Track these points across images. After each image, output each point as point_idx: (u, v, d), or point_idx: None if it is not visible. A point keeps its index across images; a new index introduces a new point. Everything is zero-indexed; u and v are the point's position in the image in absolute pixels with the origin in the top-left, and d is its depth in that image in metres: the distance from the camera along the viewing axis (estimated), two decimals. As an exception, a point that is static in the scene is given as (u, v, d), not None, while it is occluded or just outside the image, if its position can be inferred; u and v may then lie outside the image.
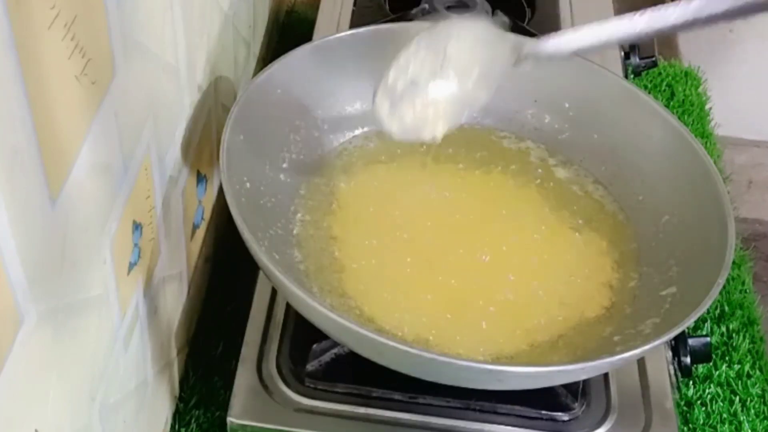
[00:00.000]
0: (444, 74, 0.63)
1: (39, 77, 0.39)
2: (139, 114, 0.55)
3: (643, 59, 0.99)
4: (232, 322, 0.76)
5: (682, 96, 1.09)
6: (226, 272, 0.84)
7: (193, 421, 0.73)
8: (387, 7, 0.99)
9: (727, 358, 0.81)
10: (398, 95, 0.63)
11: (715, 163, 0.69)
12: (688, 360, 0.72)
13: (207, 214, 0.78)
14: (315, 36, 0.92)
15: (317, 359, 0.66)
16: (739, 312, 0.85)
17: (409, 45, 0.63)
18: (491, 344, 0.64)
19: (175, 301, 0.71)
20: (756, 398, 0.78)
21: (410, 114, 0.63)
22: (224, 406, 0.66)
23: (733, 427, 0.76)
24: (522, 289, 0.67)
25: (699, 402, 0.77)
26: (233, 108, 0.66)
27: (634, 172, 0.74)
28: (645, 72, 1.02)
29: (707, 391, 0.78)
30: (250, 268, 0.64)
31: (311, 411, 0.65)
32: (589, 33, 0.60)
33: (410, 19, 0.92)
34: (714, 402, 0.77)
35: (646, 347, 0.57)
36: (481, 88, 0.64)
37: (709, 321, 0.84)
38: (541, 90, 0.78)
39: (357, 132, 0.78)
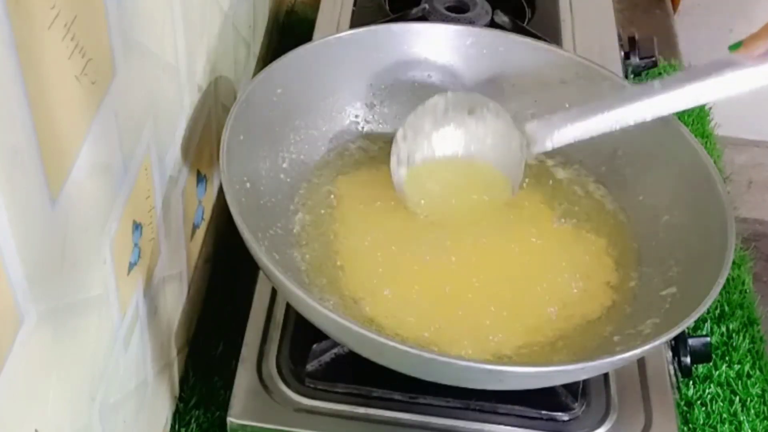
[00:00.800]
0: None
1: (39, 77, 0.39)
2: (139, 114, 0.55)
3: (643, 59, 0.99)
4: (232, 322, 0.76)
5: (682, 96, 1.09)
6: (226, 272, 0.84)
7: (193, 421, 0.73)
8: (387, 7, 0.99)
9: (727, 358, 0.81)
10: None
11: (715, 163, 0.69)
12: (688, 360, 0.72)
13: (207, 214, 0.78)
14: (315, 36, 0.92)
15: (317, 359, 0.66)
16: (739, 312, 0.85)
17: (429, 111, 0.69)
18: (491, 344, 0.64)
19: (175, 301, 0.71)
20: (756, 398, 0.78)
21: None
22: (224, 406, 0.66)
23: (733, 427, 0.76)
24: (522, 288, 0.67)
25: (699, 402, 0.77)
26: (233, 108, 0.66)
27: (634, 172, 0.74)
28: (645, 72, 1.02)
29: (707, 391, 0.78)
30: (250, 268, 0.64)
31: (311, 411, 0.65)
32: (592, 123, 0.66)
33: (410, 20, 0.92)
34: (714, 402, 0.77)
35: (646, 347, 0.57)
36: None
37: (709, 321, 0.84)
38: (541, 90, 0.78)
39: (357, 132, 0.78)
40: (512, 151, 0.69)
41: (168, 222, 0.65)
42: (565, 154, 0.78)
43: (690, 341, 0.72)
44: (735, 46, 0.62)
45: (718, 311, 0.85)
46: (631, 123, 0.65)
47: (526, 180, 0.75)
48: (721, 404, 0.77)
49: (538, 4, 1.00)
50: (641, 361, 0.69)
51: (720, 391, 0.78)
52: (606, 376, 0.68)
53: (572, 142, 0.67)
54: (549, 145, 0.67)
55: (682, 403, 0.77)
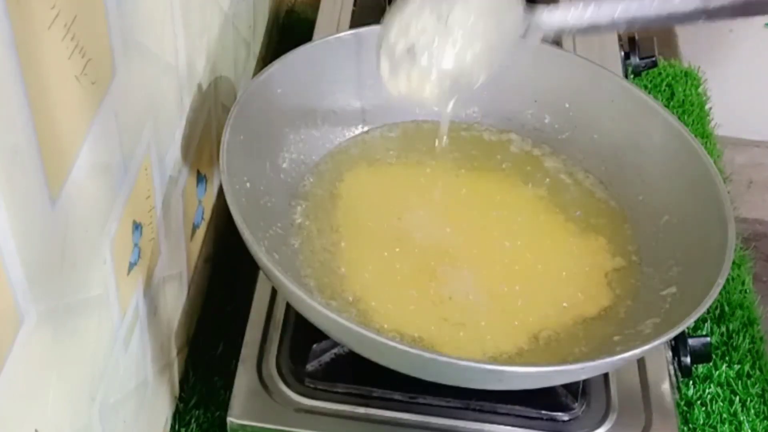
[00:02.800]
0: (442, 45, 0.60)
1: (39, 77, 0.39)
2: (139, 114, 0.55)
3: (643, 59, 0.99)
4: (232, 322, 0.76)
5: (682, 96, 1.09)
6: (226, 272, 0.84)
7: (193, 421, 0.73)
8: (387, 7, 0.99)
9: (727, 358, 0.81)
10: (397, 58, 0.61)
11: (715, 163, 0.69)
12: (688, 360, 0.72)
13: (207, 214, 0.78)
14: (315, 36, 0.92)
15: (317, 359, 0.66)
16: (739, 312, 0.85)
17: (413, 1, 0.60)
18: (491, 344, 0.64)
19: (175, 301, 0.71)
20: (756, 398, 0.78)
21: (405, 81, 0.62)
22: (224, 406, 0.66)
23: (733, 427, 0.76)
24: (522, 288, 0.68)
25: (699, 402, 0.77)
26: (233, 108, 0.66)
27: (634, 172, 0.74)
28: (645, 72, 1.02)
29: (707, 391, 0.78)
30: (250, 268, 0.64)
31: (311, 411, 0.65)
32: (598, 10, 0.57)
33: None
34: (714, 402, 0.77)
35: (646, 347, 0.57)
36: (481, 65, 0.62)
37: (709, 321, 0.84)
38: (541, 90, 0.78)
39: (357, 132, 0.78)
40: (505, 29, 0.61)
41: (168, 222, 0.65)
42: (566, 154, 0.78)
43: (690, 341, 0.72)
44: None
45: (718, 311, 0.85)
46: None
47: (528, 183, 0.75)
48: (721, 404, 0.77)
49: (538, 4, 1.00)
50: (641, 361, 0.69)
51: (720, 391, 0.78)
52: (606, 376, 0.68)
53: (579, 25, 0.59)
54: (558, 19, 0.59)
55: (682, 403, 0.77)
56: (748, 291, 0.88)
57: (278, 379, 0.67)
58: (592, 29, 0.59)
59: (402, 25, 0.60)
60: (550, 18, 0.59)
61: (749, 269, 0.92)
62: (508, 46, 0.61)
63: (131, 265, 0.56)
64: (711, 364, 0.79)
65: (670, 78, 1.11)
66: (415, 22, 0.59)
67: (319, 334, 0.62)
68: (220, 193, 0.80)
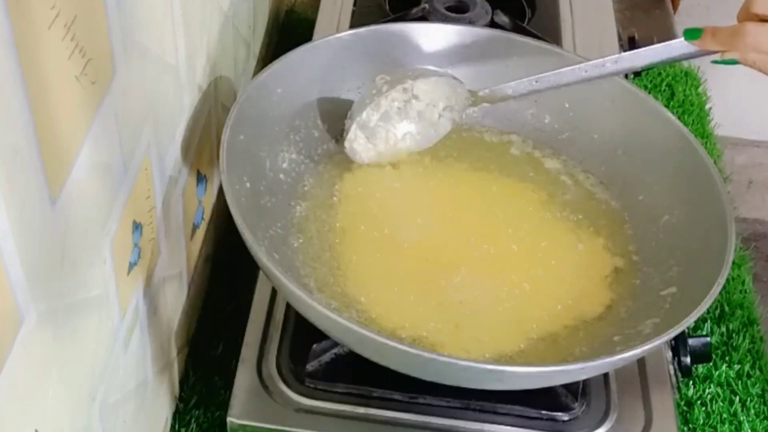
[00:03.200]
0: (411, 109, 0.73)
1: (39, 77, 0.39)
2: (139, 114, 0.55)
3: (643, 59, 0.98)
4: (232, 322, 0.76)
5: (682, 96, 1.09)
6: (226, 272, 0.84)
7: (193, 421, 0.73)
8: (387, 7, 0.99)
9: (727, 358, 0.81)
10: (371, 129, 0.73)
11: (715, 163, 0.69)
12: (688, 360, 0.71)
13: (207, 214, 0.78)
14: (315, 36, 0.92)
15: (317, 359, 0.66)
16: (739, 312, 0.85)
17: (375, 87, 0.73)
18: (491, 344, 0.64)
19: (175, 301, 0.71)
20: (756, 398, 0.78)
21: (382, 143, 0.74)
22: (224, 406, 0.66)
23: (733, 427, 0.76)
24: (522, 288, 0.67)
25: (699, 402, 0.77)
26: (233, 108, 0.66)
27: (634, 172, 0.74)
28: (645, 72, 1.02)
29: (707, 391, 0.78)
30: (250, 268, 0.64)
31: (311, 411, 0.65)
32: (528, 83, 0.71)
33: (410, 20, 0.92)
34: (714, 402, 0.77)
35: (646, 347, 0.57)
36: (446, 119, 0.75)
37: (709, 321, 0.84)
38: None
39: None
40: (459, 96, 0.74)
41: (168, 222, 0.65)
42: (566, 155, 0.78)
43: (690, 341, 0.72)
44: (692, 35, 0.62)
45: (718, 311, 0.85)
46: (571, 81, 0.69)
47: (528, 183, 0.75)
48: (721, 404, 0.77)
49: (538, 4, 1.00)
50: (641, 361, 0.69)
51: (720, 391, 0.78)
52: (606, 376, 0.68)
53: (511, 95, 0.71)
54: (498, 93, 0.72)
55: (682, 403, 0.77)
56: (748, 291, 0.88)
57: (278, 379, 0.67)
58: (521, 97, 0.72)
59: (373, 105, 0.72)
60: (490, 93, 0.73)
61: (749, 269, 0.92)
62: (462, 108, 0.74)
63: (131, 265, 0.56)
64: (711, 364, 0.79)
65: (670, 78, 1.11)
66: (383, 99, 0.72)
67: (319, 334, 0.62)
68: (220, 193, 0.80)
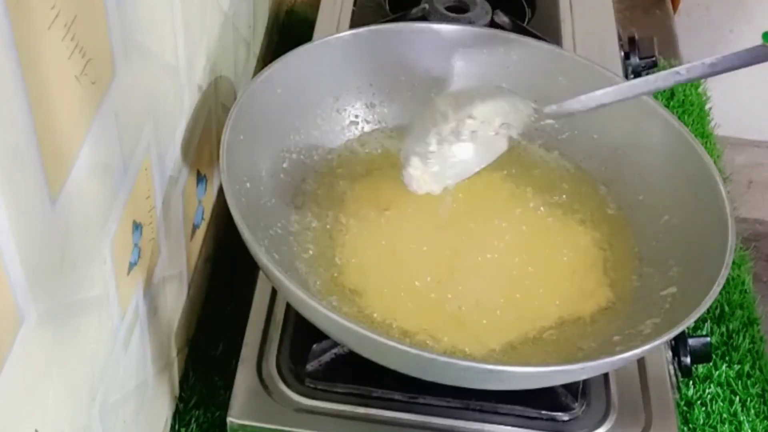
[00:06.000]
0: (465, 129, 0.67)
1: (39, 77, 0.39)
2: (139, 114, 0.55)
3: (643, 59, 0.99)
4: (232, 322, 0.76)
5: (682, 96, 1.09)
6: (226, 272, 0.84)
7: (193, 421, 0.73)
8: (387, 7, 0.99)
9: (727, 358, 0.81)
10: (427, 155, 0.67)
11: (715, 163, 0.69)
12: (688, 360, 0.72)
13: (207, 214, 0.78)
14: (315, 36, 0.92)
15: (317, 359, 0.66)
16: (739, 312, 0.85)
17: (439, 111, 0.67)
18: (490, 344, 0.64)
19: (175, 301, 0.71)
20: (756, 398, 0.78)
21: (437, 169, 0.67)
22: (224, 406, 0.66)
23: (733, 427, 0.76)
24: (522, 288, 0.67)
25: (699, 402, 0.77)
26: (233, 108, 0.66)
27: (634, 172, 0.74)
28: (645, 72, 1.02)
29: (707, 391, 0.78)
30: (250, 268, 0.64)
31: (311, 411, 0.65)
32: (599, 95, 0.67)
33: (410, 19, 0.92)
34: (714, 402, 0.77)
35: (646, 347, 0.57)
36: (503, 136, 0.69)
37: (709, 321, 0.84)
38: (541, 90, 0.78)
39: (357, 132, 0.78)
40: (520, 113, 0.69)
41: (168, 222, 0.65)
42: (566, 154, 0.78)
43: (690, 341, 0.72)
44: None
45: (718, 311, 0.85)
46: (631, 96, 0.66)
47: (528, 183, 0.75)
48: (721, 404, 0.77)
49: (538, 4, 1.00)
50: (641, 361, 0.69)
51: (720, 391, 0.78)
52: (606, 376, 0.68)
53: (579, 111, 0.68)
54: (567, 108, 0.68)
55: (682, 403, 0.77)
56: (748, 291, 0.88)
57: (278, 379, 0.67)
58: (592, 110, 0.68)
59: (435, 133, 0.67)
60: (559, 108, 0.68)
61: (749, 269, 0.92)
62: (522, 125, 0.69)
63: (131, 265, 0.56)
64: (711, 364, 0.79)
65: (670, 78, 1.11)
66: (442, 127, 0.67)
67: (319, 334, 0.62)
68: (220, 193, 0.80)
